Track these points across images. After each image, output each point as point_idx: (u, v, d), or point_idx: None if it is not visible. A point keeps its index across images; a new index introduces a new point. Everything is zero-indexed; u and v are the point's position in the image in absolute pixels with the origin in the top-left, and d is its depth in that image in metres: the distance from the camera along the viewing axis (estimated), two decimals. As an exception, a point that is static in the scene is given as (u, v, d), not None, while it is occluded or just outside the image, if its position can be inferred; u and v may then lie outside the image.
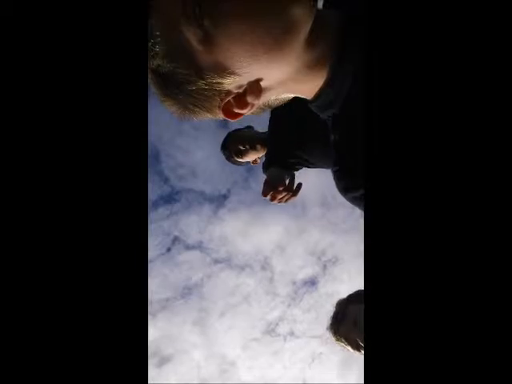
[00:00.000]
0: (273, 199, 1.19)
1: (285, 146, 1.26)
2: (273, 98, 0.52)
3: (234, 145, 1.52)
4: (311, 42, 0.46)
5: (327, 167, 1.24)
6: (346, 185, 0.52)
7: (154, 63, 0.47)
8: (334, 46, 0.48)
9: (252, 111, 0.53)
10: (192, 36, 0.43)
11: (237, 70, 0.46)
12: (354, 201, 0.52)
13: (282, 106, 0.55)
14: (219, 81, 0.47)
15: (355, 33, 0.48)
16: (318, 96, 0.52)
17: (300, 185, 1.23)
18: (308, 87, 0.52)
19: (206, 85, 0.47)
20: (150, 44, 0.45)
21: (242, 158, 1.53)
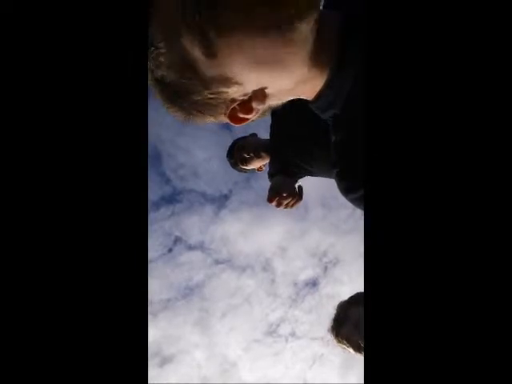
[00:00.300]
0: (279, 205, 1.20)
1: (286, 157, 1.28)
2: (276, 101, 0.53)
3: (238, 153, 1.55)
4: (314, 47, 0.47)
5: (328, 176, 1.26)
6: (348, 185, 0.52)
7: (158, 73, 0.47)
8: (334, 48, 0.49)
9: (257, 115, 0.53)
10: (195, 46, 0.43)
11: (241, 80, 0.47)
12: (355, 201, 0.52)
13: (282, 112, 0.56)
14: (224, 90, 0.48)
15: (355, 34, 0.48)
16: (318, 97, 0.53)
17: (301, 187, 1.25)
18: (309, 88, 0.52)
19: (211, 94, 0.48)
20: (153, 54, 0.45)
21: (246, 165, 1.55)
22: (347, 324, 1.22)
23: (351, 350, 1.23)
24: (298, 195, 1.22)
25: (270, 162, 1.42)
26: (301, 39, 0.44)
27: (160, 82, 0.48)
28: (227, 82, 0.46)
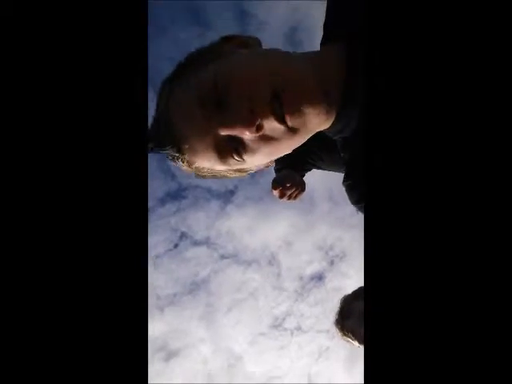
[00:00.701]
0: (282, 196, 1.21)
1: (294, 155, 1.29)
2: None
3: None
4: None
5: (334, 171, 1.26)
6: (357, 197, 0.57)
7: (192, 166, 0.55)
8: (338, 86, 0.51)
9: None
10: (227, 162, 0.52)
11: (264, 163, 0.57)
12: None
13: None
14: (250, 170, 0.58)
15: (358, 66, 0.50)
16: (328, 128, 0.55)
17: (303, 180, 1.26)
18: (319, 127, 0.55)
19: (242, 173, 0.59)
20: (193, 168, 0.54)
21: None
22: (352, 317, 1.22)
23: (356, 343, 1.24)
24: (300, 186, 1.23)
25: (275, 161, 1.42)
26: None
27: (193, 169, 0.56)
28: (253, 168, 0.57)
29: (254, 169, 0.59)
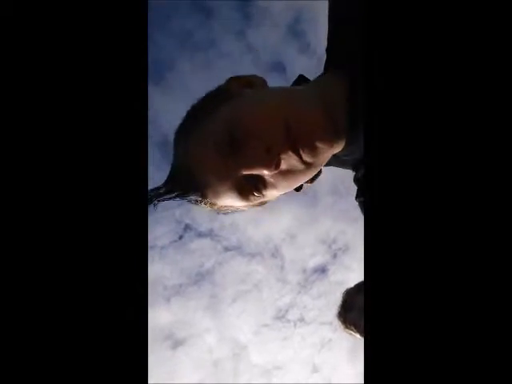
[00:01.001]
0: None
1: None
2: None
3: None
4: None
5: (340, 167, 1.27)
6: None
7: (213, 207, 0.58)
8: (345, 110, 0.53)
9: None
10: (250, 203, 0.55)
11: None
12: None
13: None
14: (272, 201, 0.60)
15: (359, 89, 0.51)
16: (340, 151, 0.57)
17: None
18: (332, 153, 0.57)
19: (261, 205, 0.61)
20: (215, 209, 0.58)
21: None
22: (354, 310, 1.23)
23: (358, 336, 1.25)
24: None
25: None
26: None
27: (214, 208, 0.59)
28: (272, 200, 0.60)
29: (274, 200, 0.60)
